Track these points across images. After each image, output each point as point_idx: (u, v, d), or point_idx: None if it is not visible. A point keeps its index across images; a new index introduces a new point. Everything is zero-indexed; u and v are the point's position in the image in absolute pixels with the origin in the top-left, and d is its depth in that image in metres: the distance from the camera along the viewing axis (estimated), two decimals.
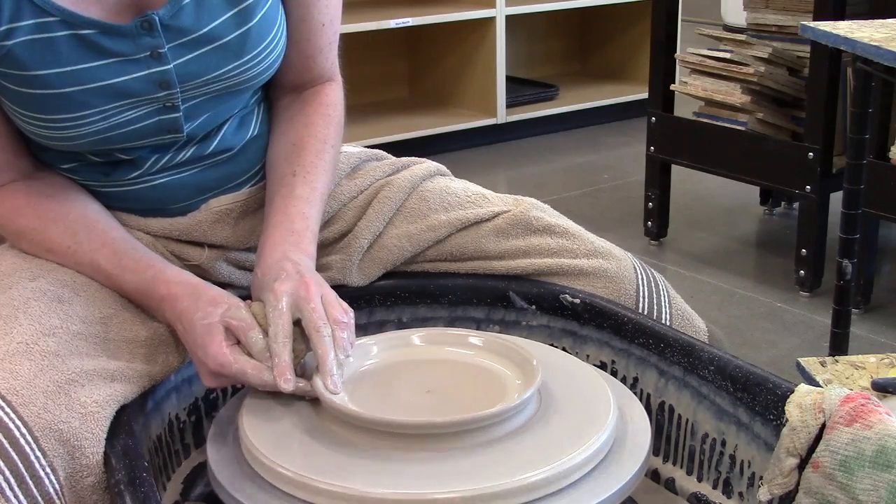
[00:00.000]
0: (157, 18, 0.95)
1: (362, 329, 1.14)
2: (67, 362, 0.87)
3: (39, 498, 0.82)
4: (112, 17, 0.95)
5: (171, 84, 0.98)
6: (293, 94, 1.15)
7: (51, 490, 0.83)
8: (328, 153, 1.11)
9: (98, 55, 0.94)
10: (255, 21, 1.00)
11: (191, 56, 0.98)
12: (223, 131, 1.08)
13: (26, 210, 1.01)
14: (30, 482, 0.82)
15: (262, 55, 1.02)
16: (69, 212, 1.01)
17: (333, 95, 1.16)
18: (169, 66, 0.97)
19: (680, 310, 1.15)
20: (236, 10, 0.99)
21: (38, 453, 0.82)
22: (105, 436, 0.86)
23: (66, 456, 0.84)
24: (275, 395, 0.92)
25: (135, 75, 0.96)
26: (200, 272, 1.08)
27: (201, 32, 0.98)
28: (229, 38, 0.99)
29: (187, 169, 1.07)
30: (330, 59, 1.15)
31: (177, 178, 1.06)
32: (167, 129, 1.02)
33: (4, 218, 1.02)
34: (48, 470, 0.83)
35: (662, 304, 1.13)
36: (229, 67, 1.00)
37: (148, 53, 0.96)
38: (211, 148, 1.07)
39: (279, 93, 1.15)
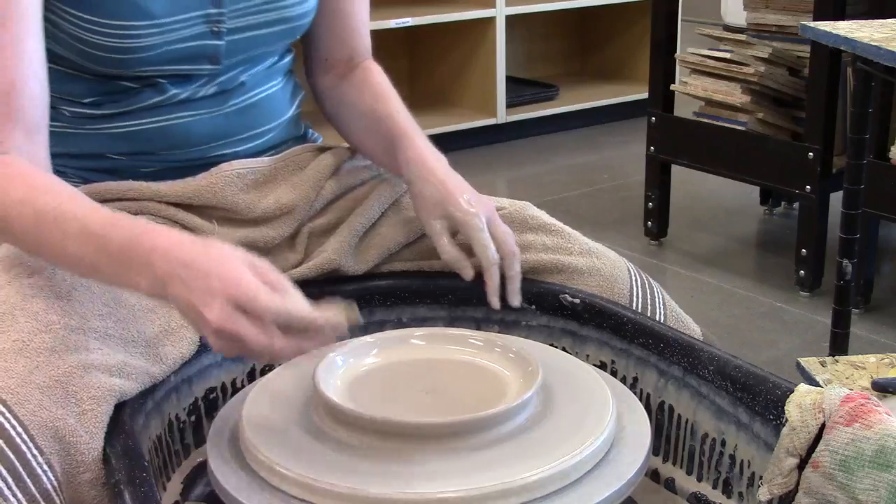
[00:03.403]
0: None
1: (362, 329, 1.14)
2: (64, 358, 0.87)
3: (38, 496, 0.82)
4: None
5: (221, 2, 1.05)
6: (341, 77, 1.22)
7: (49, 487, 0.83)
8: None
9: None
10: None
11: None
12: (249, 72, 1.13)
13: (17, 181, 0.95)
14: (28, 480, 0.82)
15: None
16: (59, 185, 0.97)
17: (378, 75, 1.23)
18: None
19: (674, 312, 1.15)
20: None
21: (35, 451, 0.82)
22: (103, 431, 0.86)
23: (62, 453, 0.83)
24: (275, 394, 0.92)
25: None
26: None
27: None
28: None
29: (204, 111, 1.09)
30: (367, 33, 1.24)
31: (191, 121, 1.09)
32: (208, 57, 1.07)
33: None
34: (46, 468, 0.82)
35: (657, 304, 1.13)
36: None
37: None
38: (234, 84, 1.11)
39: (327, 75, 1.23)
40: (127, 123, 1.08)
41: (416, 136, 1.15)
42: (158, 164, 1.10)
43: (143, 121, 1.08)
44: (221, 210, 1.10)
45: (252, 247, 1.11)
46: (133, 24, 1.01)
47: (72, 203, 0.92)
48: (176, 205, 1.08)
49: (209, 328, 0.83)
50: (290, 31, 1.14)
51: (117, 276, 0.89)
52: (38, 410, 0.83)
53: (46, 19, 1.01)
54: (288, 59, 1.20)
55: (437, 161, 1.13)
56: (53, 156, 1.08)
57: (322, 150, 1.20)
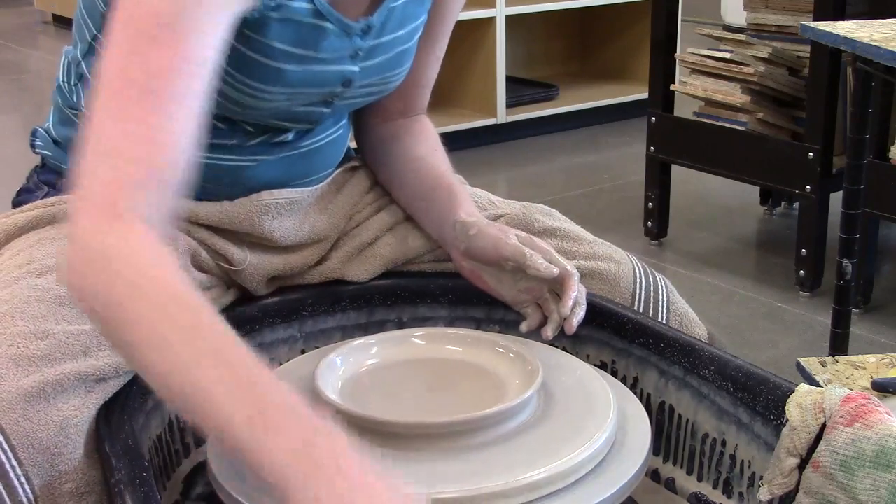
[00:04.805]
0: (376, 24, 1.03)
1: (362, 329, 1.14)
2: (56, 366, 0.86)
3: None
4: (350, 16, 1.01)
5: (352, 83, 1.05)
6: (393, 123, 1.21)
7: (24, 500, 0.82)
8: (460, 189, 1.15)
9: (324, 46, 1.00)
10: (417, 36, 1.10)
11: (375, 59, 1.06)
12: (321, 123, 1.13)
13: (170, 266, 0.79)
14: (3, 492, 0.81)
15: (406, 70, 1.11)
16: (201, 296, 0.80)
17: (433, 130, 1.23)
18: (356, 68, 1.05)
19: (679, 314, 1.14)
20: (417, 22, 1.09)
21: (14, 462, 0.81)
22: (83, 440, 0.85)
23: (45, 464, 0.82)
24: None
25: (333, 68, 1.03)
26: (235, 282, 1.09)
27: (392, 37, 1.06)
28: (405, 46, 1.09)
29: (272, 156, 1.08)
30: (430, 92, 1.23)
31: (259, 163, 1.08)
32: (312, 120, 1.08)
33: (137, 255, 0.78)
34: (23, 479, 0.81)
35: (660, 309, 1.13)
36: (388, 74, 1.09)
37: (351, 53, 1.03)
38: (310, 135, 1.11)
39: (375, 118, 1.21)
40: (199, 155, 1.06)
41: (466, 195, 1.14)
42: (206, 194, 1.07)
43: (216, 156, 1.06)
44: (256, 237, 1.09)
45: (280, 275, 1.11)
46: (269, 89, 0.99)
47: (217, 326, 0.75)
48: (208, 227, 1.07)
49: None
50: (379, 97, 1.14)
51: (254, 440, 0.70)
52: (22, 421, 0.82)
53: None
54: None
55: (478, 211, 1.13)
56: None
57: (354, 168, 1.21)
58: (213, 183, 1.07)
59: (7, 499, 0.81)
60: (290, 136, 1.09)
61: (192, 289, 0.77)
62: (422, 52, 1.15)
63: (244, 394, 0.71)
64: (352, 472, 0.69)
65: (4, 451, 0.81)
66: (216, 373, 0.72)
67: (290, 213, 1.10)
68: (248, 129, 1.06)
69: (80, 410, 0.85)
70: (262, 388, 0.72)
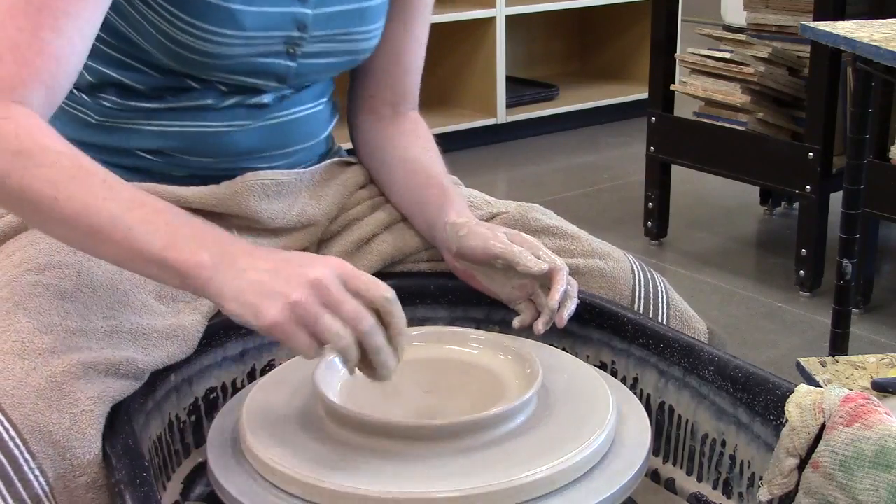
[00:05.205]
0: None
1: None
2: (63, 359, 0.86)
3: (28, 500, 0.82)
4: None
5: (306, 27, 1.06)
6: (387, 121, 1.22)
7: (39, 492, 0.82)
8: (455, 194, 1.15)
9: None
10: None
11: (329, 7, 1.07)
12: (299, 91, 1.14)
13: (56, 136, 0.91)
14: (18, 485, 0.81)
15: (374, 31, 1.13)
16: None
17: (427, 130, 1.25)
18: (308, 11, 1.06)
19: (679, 312, 1.14)
20: None
21: (27, 456, 0.82)
22: (99, 433, 0.85)
23: (56, 457, 0.83)
24: (275, 394, 0.92)
25: (283, 9, 1.04)
26: None
27: None
28: (369, 3, 1.10)
29: (248, 122, 1.09)
30: (418, 82, 1.24)
31: (237, 130, 1.08)
32: (278, 76, 1.09)
33: (27, 132, 0.89)
34: (37, 472, 0.82)
35: (660, 306, 1.13)
36: (351, 30, 1.10)
37: None
38: (282, 98, 1.12)
39: (369, 115, 1.22)
40: (177, 122, 1.07)
41: (458, 195, 1.14)
42: (187, 169, 1.09)
43: (193, 122, 1.07)
44: (243, 219, 1.09)
45: None
46: (222, 31, 1.01)
47: (112, 175, 0.90)
48: (196, 210, 1.07)
49: (304, 281, 0.82)
50: (352, 62, 1.15)
51: (171, 244, 0.85)
52: (33, 414, 0.83)
53: (133, 6, 1.01)
54: (331, 83, 1.21)
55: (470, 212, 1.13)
56: (78, 144, 1.07)
57: (348, 164, 1.21)
58: (191, 153, 1.08)
59: (23, 491, 0.82)
60: (265, 98, 1.10)
61: (84, 154, 0.90)
62: (399, 29, 1.17)
63: (156, 217, 0.86)
64: (262, 251, 0.87)
65: (17, 446, 0.82)
66: (124, 205, 0.86)
67: (279, 195, 1.11)
68: (221, 87, 1.07)
69: (96, 404, 0.85)
70: (173, 213, 0.88)
